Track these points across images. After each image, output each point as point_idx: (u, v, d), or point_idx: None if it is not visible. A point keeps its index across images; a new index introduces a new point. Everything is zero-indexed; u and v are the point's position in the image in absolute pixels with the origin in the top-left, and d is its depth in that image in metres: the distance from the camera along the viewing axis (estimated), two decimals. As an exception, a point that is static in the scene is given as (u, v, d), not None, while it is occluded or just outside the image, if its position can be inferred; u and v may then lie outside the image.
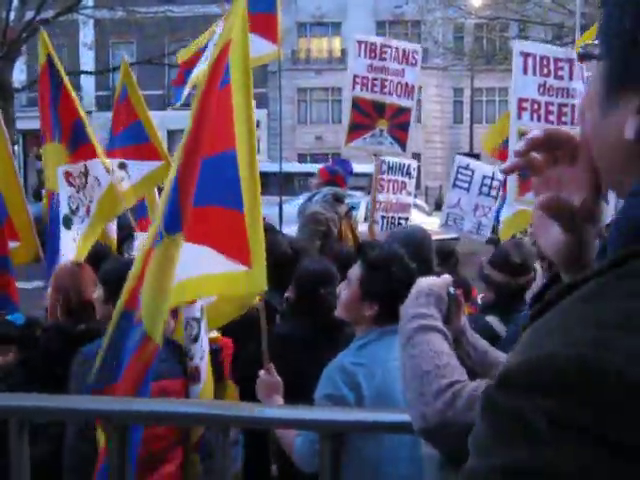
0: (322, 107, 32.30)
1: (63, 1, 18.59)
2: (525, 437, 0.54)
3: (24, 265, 4.80)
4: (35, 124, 4.67)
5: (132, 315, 2.52)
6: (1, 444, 2.17)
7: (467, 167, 6.55)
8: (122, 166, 4.93)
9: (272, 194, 10.27)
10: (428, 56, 25.98)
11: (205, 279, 2.60)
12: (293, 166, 20.85)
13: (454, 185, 6.54)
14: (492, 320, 3.22)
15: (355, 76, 5.44)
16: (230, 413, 2.19)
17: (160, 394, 2.62)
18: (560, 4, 18.89)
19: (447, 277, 1.68)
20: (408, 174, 6.50)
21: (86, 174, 4.48)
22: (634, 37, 0.67)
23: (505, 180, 5.57)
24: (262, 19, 5.23)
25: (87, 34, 26.40)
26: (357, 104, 5.45)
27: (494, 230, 6.92)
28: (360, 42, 5.50)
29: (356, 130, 5.47)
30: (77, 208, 4.51)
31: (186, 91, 6.22)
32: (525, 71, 4.81)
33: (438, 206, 18.20)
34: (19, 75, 20.55)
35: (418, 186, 10.47)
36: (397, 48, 5.54)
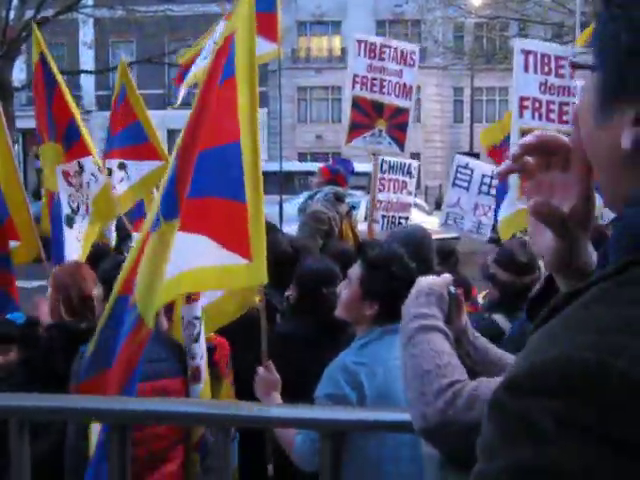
0: (322, 106, 32.31)
1: (63, 0, 18.58)
2: (530, 437, 0.55)
3: (24, 264, 4.80)
4: (35, 123, 4.66)
5: (127, 299, 2.53)
6: (1, 444, 2.17)
7: (466, 166, 6.55)
8: (122, 166, 4.93)
9: (272, 193, 10.26)
10: (428, 55, 25.99)
11: (203, 272, 2.56)
12: (293, 165, 20.87)
13: (453, 184, 6.54)
14: (499, 318, 3.24)
15: (355, 75, 5.45)
16: (230, 412, 2.19)
17: (160, 393, 2.63)
18: (560, 3, 18.88)
19: (447, 276, 1.68)
20: (409, 173, 6.51)
21: (81, 172, 4.48)
22: (629, 51, 0.68)
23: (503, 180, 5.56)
24: (262, 19, 5.22)
25: (87, 33, 26.40)
26: (357, 103, 5.46)
27: (494, 229, 6.92)
28: (360, 41, 5.50)
29: (356, 129, 5.48)
30: (78, 207, 4.51)
31: (183, 91, 6.22)
32: (526, 69, 4.80)
33: (438, 205, 18.21)
34: (19, 74, 20.54)
35: (418, 185, 10.47)
36: (396, 49, 5.55)
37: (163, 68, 25.79)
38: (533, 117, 4.79)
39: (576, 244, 0.96)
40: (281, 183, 10.88)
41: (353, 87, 5.46)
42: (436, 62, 28.01)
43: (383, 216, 6.23)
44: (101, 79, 28.33)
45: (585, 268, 0.97)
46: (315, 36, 32.49)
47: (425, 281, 1.64)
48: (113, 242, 5.18)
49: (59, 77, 4.52)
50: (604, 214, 4.76)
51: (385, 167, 6.19)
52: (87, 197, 4.51)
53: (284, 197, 11.45)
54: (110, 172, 5.00)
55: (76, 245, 4.37)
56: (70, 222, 4.43)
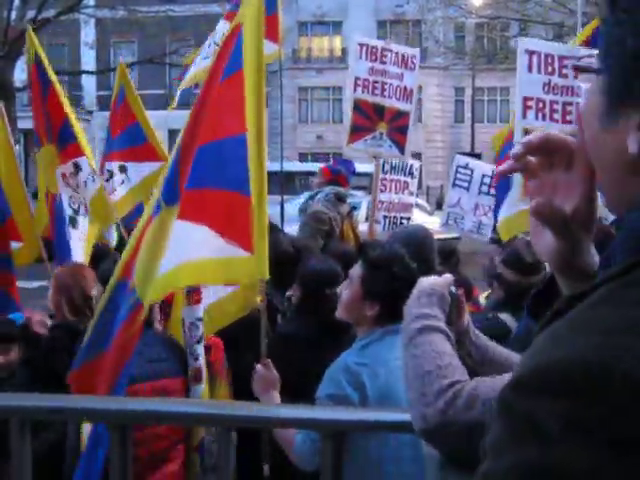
0: (323, 106, 32.31)
1: (64, 0, 18.59)
2: (537, 437, 0.55)
3: (25, 265, 4.80)
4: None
5: (126, 284, 2.52)
6: (2, 444, 2.17)
7: (466, 166, 6.55)
8: (122, 169, 4.93)
9: (273, 193, 10.18)
10: (429, 55, 26.00)
11: (203, 264, 2.53)
12: (294, 165, 20.85)
13: (454, 184, 6.54)
14: (506, 318, 3.25)
15: (357, 78, 5.45)
16: (230, 412, 2.19)
17: (160, 393, 2.63)
18: (561, 3, 18.86)
19: (448, 276, 1.68)
20: (410, 174, 6.51)
21: (77, 173, 4.47)
22: (634, 56, 0.67)
23: (500, 179, 5.54)
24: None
25: (88, 33, 26.44)
26: (358, 106, 5.46)
27: (494, 229, 6.91)
28: (362, 45, 5.50)
29: (357, 132, 5.48)
30: (78, 207, 4.51)
31: (179, 91, 6.21)
32: (530, 69, 4.78)
33: (439, 205, 18.18)
34: (20, 74, 20.51)
35: (419, 186, 10.48)
36: (397, 52, 5.55)
37: (164, 68, 25.80)
38: (537, 117, 4.77)
39: (578, 245, 0.96)
40: (282, 183, 10.86)
41: (355, 90, 5.46)
42: (437, 62, 28.02)
43: (385, 216, 6.23)
44: (102, 79, 28.33)
45: (587, 269, 0.97)
46: (316, 36, 32.49)
47: (427, 281, 1.64)
48: (113, 242, 5.18)
49: (53, 77, 4.50)
50: (609, 215, 4.75)
51: (387, 167, 6.19)
52: (85, 197, 4.51)
53: (285, 197, 11.44)
54: (111, 175, 5.00)
55: (80, 245, 4.37)
56: (74, 223, 4.44)
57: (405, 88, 5.56)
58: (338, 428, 2.02)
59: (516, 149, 0.96)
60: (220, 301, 3.07)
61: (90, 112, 29.46)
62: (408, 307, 1.60)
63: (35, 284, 6.70)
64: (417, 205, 8.49)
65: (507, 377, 0.63)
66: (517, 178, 4.59)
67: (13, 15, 17.90)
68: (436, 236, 3.97)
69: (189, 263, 2.50)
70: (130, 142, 4.99)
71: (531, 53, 4.79)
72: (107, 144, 5.28)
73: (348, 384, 2.22)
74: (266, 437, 2.68)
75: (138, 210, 5.29)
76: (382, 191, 6.15)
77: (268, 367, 2.58)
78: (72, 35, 25.77)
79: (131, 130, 5.01)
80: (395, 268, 2.33)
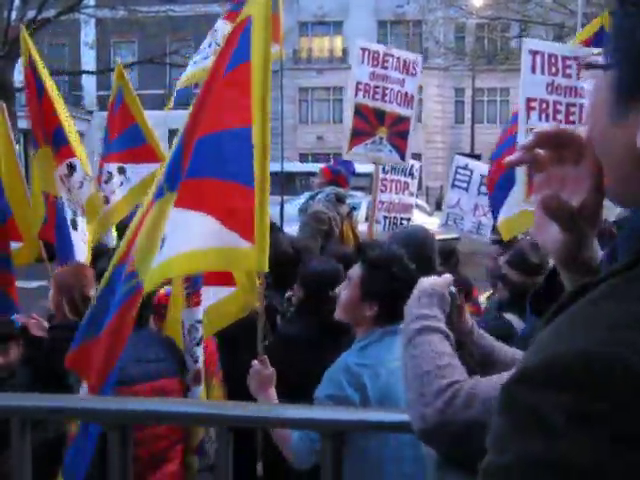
0: (323, 107, 32.30)
1: (64, 0, 18.59)
2: (541, 430, 0.56)
3: (24, 264, 4.79)
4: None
5: (123, 268, 2.51)
6: (2, 443, 2.17)
7: (466, 167, 6.56)
8: (121, 170, 4.92)
9: (273, 193, 10.17)
10: (429, 56, 25.99)
11: (203, 252, 2.50)
12: (294, 166, 20.85)
13: (453, 185, 6.55)
14: (512, 318, 3.26)
15: (358, 83, 5.44)
16: (230, 412, 2.19)
17: (159, 393, 2.63)
18: (561, 4, 18.85)
19: (448, 276, 1.68)
20: (411, 175, 6.52)
21: (72, 173, 4.47)
22: None
23: (500, 179, 5.53)
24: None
25: (88, 33, 26.41)
26: (359, 111, 5.45)
27: (494, 230, 6.92)
28: (364, 49, 5.50)
29: (357, 136, 5.47)
30: (75, 209, 4.51)
31: (176, 92, 6.20)
32: (533, 70, 4.77)
33: (439, 206, 18.18)
34: (20, 74, 20.59)
35: (419, 186, 10.48)
36: (399, 58, 5.55)
37: (165, 68, 25.78)
38: (540, 118, 4.76)
39: (584, 239, 0.96)
40: (282, 184, 10.87)
41: (356, 94, 5.45)
42: (437, 63, 28.02)
43: (385, 217, 6.23)
44: (103, 79, 28.29)
45: (590, 263, 0.97)
46: (317, 37, 32.49)
47: (427, 282, 1.64)
48: (113, 242, 5.18)
49: (47, 80, 4.50)
50: (609, 215, 4.73)
51: (387, 168, 6.19)
52: (81, 199, 4.51)
53: (285, 198, 11.45)
54: (111, 176, 4.99)
55: (82, 247, 4.38)
56: (75, 225, 4.44)
57: (406, 94, 5.55)
58: (338, 428, 2.02)
59: (526, 140, 0.95)
60: (220, 302, 3.07)
61: (90, 112, 29.45)
62: (408, 307, 1.60)
63: (34, 284, 6.70)
64: (417, 206, 8.49)
65: (506, 375, 0.63)
66: (520, 178, 4.58)
67: (13, 15, 17.90)
68: (436, 237, 3.97)
69: (189, 251, 2.47)
70: (129, 143, 4.98)
71: (535, 53, 4.78)
72: (105, 146, 5.26)
73: (349, 385, 2.21)
74: (260, 434, 2.67)
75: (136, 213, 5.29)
76: (382, 191, 6.15)
77: (264, 363, 2.57)
78: (72, 35, 25.76)
79: (130, 131, 4.99)
80: (394, 268, 2.32)
